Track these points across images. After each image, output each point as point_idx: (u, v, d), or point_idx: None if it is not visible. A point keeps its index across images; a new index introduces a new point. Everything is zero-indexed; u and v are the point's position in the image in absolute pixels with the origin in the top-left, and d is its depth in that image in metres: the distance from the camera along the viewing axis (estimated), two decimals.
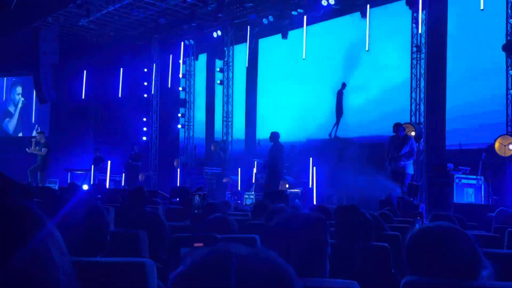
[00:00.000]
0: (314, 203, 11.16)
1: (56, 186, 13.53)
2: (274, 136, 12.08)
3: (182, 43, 17.48)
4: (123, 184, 15.73)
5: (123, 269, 1.80)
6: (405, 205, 7.98)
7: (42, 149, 13.88)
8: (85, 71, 18.89)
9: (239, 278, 0.85)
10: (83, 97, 19.07)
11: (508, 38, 10.35)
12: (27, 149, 14.13)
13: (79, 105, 18.86)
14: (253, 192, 13.03)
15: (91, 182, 14.45)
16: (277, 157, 11.88)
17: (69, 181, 14.04)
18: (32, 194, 2.15)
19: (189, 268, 0.89)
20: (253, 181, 13.87)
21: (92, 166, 15.40)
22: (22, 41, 16.94)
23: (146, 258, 2.30)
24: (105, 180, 15.28)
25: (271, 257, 0.91)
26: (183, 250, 1.69)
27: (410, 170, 10.26)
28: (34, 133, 18.31)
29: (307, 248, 1.75)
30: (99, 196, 8.05)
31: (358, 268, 2.75)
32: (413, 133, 11.09)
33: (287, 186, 12.80)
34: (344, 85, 14.63)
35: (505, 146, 9.82)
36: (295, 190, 12.66)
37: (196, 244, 1.70)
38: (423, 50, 12.11)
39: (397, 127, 10.25)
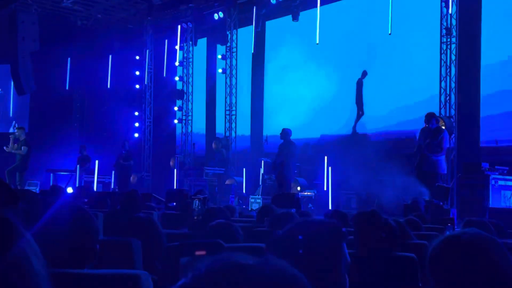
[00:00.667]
0: (330, 208, 11.16)
1: (37, 189, 13.61)
2: (286, 133, 12.12)
3: (179, 26, 17.50)
4: (112, 186, 15.78)
5: (115, 282, 1.81)
6: (434, 210, 7.97)
7: (22, 147, 13.94)
8: (69, 59, 18.95)
9: None
10: (67, 88, 19.14)
11: None
12: (5, 148, 14.20)
13: (63, 97, 18.92)
14: (260, 196, 13.05)
15: (77, 185, 14.52)
16: (288, 156, 11.90)
17: (51, 183, 14.10)
18: (18, 198, 2.18)
19: (191, 280, 0.89)
20: (260, 183, 13.89)
21: (78, 166, 15.46)
22: None
23: (140, 270, 2.31)
24: (92, 182, 15.34)
25: (283, 267, 0.91)
26: (183, 260, 1.70)
27: (442, 169, 10.22)
28: (11, 129, 18.40)
29: (320, 260, 1.75)
30: (85, 200, 8.09)
31: (381, 282, 2.75)
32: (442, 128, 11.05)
33: (298, 188, 12.81)
34: (364, 73, 14.60)
35: None
36: (308, 193, 12.67)
37: (198, 253, 1.71)
38: (454, 33, 12.05)
39: (429, 118, 10.21)
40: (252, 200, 12.89)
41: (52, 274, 1.84)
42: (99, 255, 2.12)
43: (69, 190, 11.95)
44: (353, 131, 14.78)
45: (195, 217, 5.69)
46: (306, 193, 12.60)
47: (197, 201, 6.16)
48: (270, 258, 0.92)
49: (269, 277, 0.88)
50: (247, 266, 0.89)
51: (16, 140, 14.28)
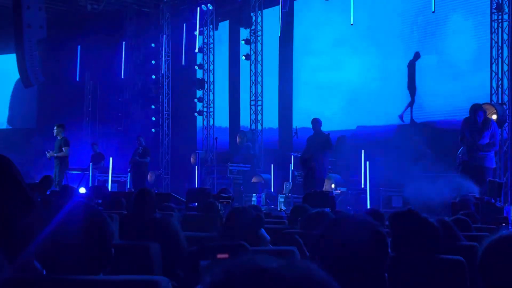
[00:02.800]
0: (368, 206, 11.11)
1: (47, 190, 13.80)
2: (316, 122, 12.02)
3: (198, 8, 17.55)
4: (128, 186, 15.94)
5: None
6: (486, 209, 7.88)
7: (63, 148, 14.35)
8: (79, 47, 19.16)
9: None
10: (77, 79, 19.36)
11: None
12: (46, 153, 14.54)
13: (73, 89, 19.16)
14: (290, 195, 13.05)
15: (90, 184, 14.70)
16: (320, 149, 11.83)
17: (62, 183, 14.29)
18: (33, 207, 2.24)
19: (210, 287, 0.90)
20: (290, 180, 13.89)
21: (90, 164, 15.65)
22: (0, 11, 17.28)
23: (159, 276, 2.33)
24: (107, 181, 15.51)
25: (310, 270, 0.90)
26: (204, 264, 1.72)
27: (491, 163, 10.06)
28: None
29: (362, 263, 1.75)
30: (99, 201, 8.20)
31: (424, 287, 2.74)
32: (494, 116, 10.90)
33: (332, 186, 12.77)
34: (417, 55, 14.34)
35: None
36: (342, 191, 12.63)
37: (219, 256, 1.73)
38: (506, 10, 11.86)
39: (476, 110, 10.00)
40: (282, 200, 12.89)
41: (66, 280, 1.88)
42: (116, 260, 2.15)
43: (82, 190, 12.09)
44: (402, 120, 14.60)
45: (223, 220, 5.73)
46: (340, 191, 12.56)
47: (222, 205, 6.18)
48: (296, 261, 0.92)
49: (294, 282, 0.87)
50: (270, 270, 0.88)
51: (55, 138, 14.67)
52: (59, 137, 14.48)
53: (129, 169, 16.18)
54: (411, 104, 14.50)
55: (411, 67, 14.45)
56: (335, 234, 1.79)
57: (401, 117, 14.61)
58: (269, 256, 0.92)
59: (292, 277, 0.88)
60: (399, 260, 2.79)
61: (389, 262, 1.89)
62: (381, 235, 1.81)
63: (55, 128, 14.73)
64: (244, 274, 0.88)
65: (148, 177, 16.79)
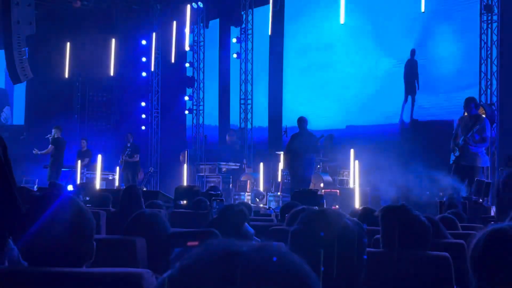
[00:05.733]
0: (356, 205, 11.14)
1: (35, 187, 13.75)
2: (302, 121, 11.93)
3: (189, 6, 17.52)
4: (117, 183, 15.90)
5: (115, 281, 1.83)
6: (473, 208, 7.91)
7: (49, 146, 14.50)
8: (68, 44, 19.07)
9: (241, 280, 0.84)
10: (66, 75, 19.27)
11: None
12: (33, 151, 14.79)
13: (62, 86, 19.04)
14: (279, 193, 13.06)
15: (78, 181, 14.64)
16: (305, 149, 11.74)
17: (49, 180, 14.24)
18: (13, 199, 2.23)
19: (179, 271, 0.89)
20: (279, 179, 13.90)
21: (79, 161, 15.59)
22: None
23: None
24: (95, 179, 15.46)
25: (282, 252, 0.89)
26: (176, 251, 1.73)
27: (482, 162, 10.07)
28: None
29: (338, 254, 1.75)
30: (87, 198, 8.18)
31: (412, 282, 2.75)
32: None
33: (321, 185, 12.79)
34: (413, 52, 14.27)
35: None
36: (332, 190, 12.65)
37: (190, 243, 1.74)
38: (496, 11, 11.92)
39: (467, 103, 10.02)
40: (271, 198, 12.89)
41: (48, 272, 1.87)
42: (102, 255, 2.15)
43: (69, 187, 12.05)
44: (400, 120, 14.61)
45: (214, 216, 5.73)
46: (330, 190, 12.57)
47: (216, 202, 6.19)
48: (268, 244, 0.90)
49: (265, 265, 0.86)
50: (240, 254, 0.87)
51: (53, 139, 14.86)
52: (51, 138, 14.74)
53: (121, 168, 16.13)
54: (404, 103, 14.53)
55: (410, 65, 14.34)
56: (311, 227, 1.79)
57: (401, 116, 14.55)
58: (241, 240, 0.91)
59: (262, 259, 0.87)
60: (388, 256, 2.80)
61: (378, 258, 1.89)
62: (359, 226, 1.81)
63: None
64: (214, 257, 0.87)
65: (138, 175, 16.74)
